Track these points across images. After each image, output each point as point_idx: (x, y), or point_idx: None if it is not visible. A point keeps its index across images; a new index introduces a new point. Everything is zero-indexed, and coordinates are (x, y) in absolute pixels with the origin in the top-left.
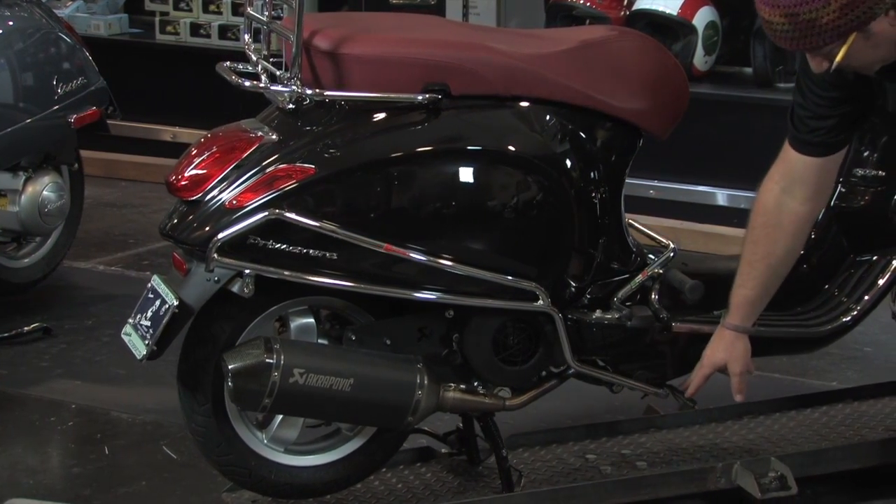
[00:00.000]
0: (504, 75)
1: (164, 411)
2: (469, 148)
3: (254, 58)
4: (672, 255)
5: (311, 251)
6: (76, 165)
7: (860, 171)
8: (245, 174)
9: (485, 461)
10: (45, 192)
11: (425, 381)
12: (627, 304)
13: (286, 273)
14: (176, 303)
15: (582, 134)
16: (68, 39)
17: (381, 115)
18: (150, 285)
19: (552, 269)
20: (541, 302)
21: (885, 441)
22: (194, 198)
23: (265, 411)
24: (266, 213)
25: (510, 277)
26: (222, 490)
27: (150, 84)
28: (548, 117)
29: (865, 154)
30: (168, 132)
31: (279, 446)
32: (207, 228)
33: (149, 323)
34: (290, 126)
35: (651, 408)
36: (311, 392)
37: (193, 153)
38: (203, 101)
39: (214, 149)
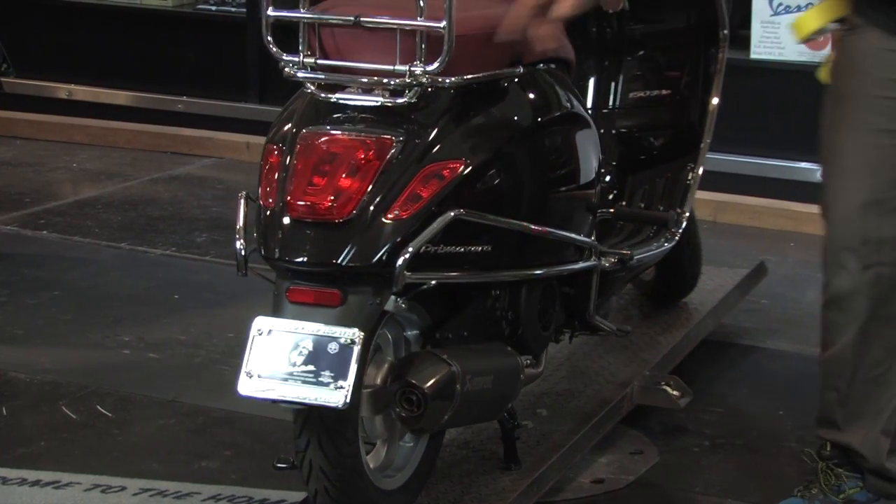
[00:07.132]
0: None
1: (62, 371)
2: (566, 114)
3: (298, 59)
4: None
5: (476, 248)
6: None
7: (639, 94)
8: (392, 181)
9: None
10: None
11: (524, 365)
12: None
13: (465, 276)
14: (363, 335)
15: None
16: None
17: (490, 94)
18: (259, 329)
19: (596, 222)
20: (594, 258)
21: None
22: (343, 219)
23: (443, 427)
24: (444, 217)
25: (583, 238)
26: (123, 450)
27: (44, 41)
28: (568, 73)
29: (639, 78)
30: (63, 89)
31: (381, 472)
32: (381, 247)
33: (313, 367)
34: (402, 121)
35: None
36: (475, 397)
37: (305, 170)
38: (99, 58)
39: (342, 161)
